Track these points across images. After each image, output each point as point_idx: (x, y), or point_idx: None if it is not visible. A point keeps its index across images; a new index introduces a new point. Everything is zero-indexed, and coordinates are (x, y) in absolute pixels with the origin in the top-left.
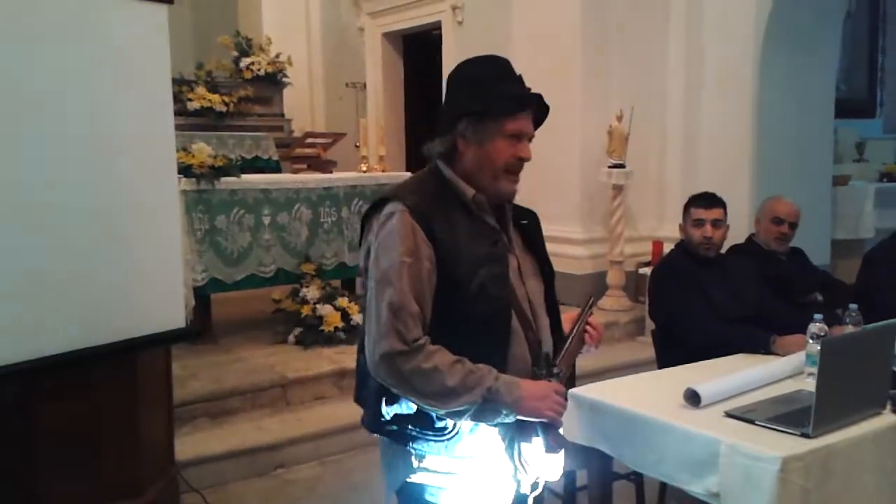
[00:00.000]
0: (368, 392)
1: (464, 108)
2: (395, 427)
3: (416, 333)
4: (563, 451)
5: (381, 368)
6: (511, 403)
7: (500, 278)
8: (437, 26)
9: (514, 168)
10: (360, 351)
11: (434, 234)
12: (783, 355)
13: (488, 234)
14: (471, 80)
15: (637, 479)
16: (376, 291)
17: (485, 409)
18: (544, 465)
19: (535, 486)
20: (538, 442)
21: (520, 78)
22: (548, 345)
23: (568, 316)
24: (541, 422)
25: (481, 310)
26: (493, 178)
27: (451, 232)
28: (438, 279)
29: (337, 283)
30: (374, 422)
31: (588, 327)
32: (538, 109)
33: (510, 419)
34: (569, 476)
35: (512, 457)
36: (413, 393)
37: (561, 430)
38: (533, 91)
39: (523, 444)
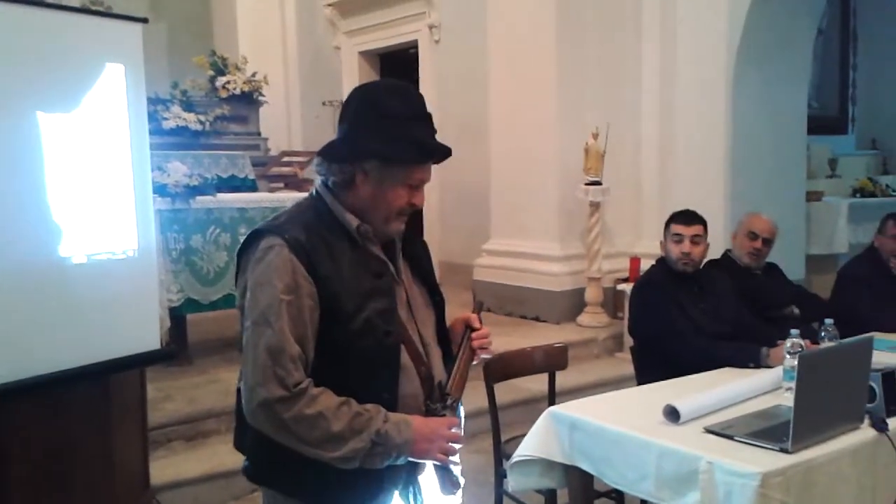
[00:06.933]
0: (251, 438)
1: (373, 147)
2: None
3: (298, 377)
4: (460, 491)
5: (258, 416)
6: (401, 445)
7: (387, 313)
8: (413, 45)
9: (405, 213)
10: (241, 394)
11: (315, 270)
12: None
13: (374, 266)
14: (382, 113)
15: (618, 497)
16: (253, 333)
17: (374, 454)
18: None
19: None
20: (434, 483)
21: (430, 119)
22: (441, 377)
23: (456, 326)
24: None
25: (368, 346)
26: (385, 221)
27: (334, 266)
28: (322, 316)
29: None
30: (257, 472)
31: (481, 340)
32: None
33: (401, 461)
34: (549, 495)
35: (408, 499)
36: (295, 441)
37: (455, 469)
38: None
39: (419, 485)
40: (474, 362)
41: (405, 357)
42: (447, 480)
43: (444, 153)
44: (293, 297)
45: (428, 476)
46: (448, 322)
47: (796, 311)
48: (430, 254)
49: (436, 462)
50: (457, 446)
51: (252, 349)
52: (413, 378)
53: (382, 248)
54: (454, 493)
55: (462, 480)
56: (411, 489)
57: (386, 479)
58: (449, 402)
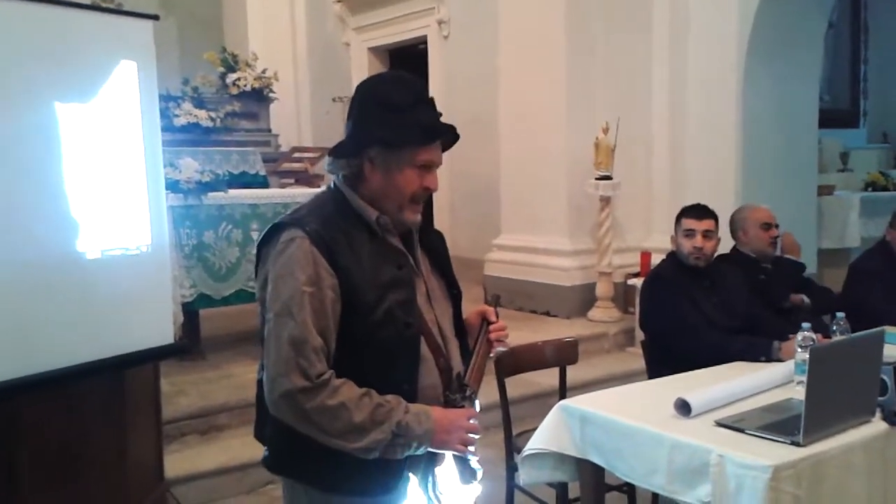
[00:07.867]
0: (271, 429)
1: (376, 135)
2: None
3: (320, 368)
4: (478, 481)
5: (281, 407)
6: (422, 436)
7: (407, 304)
8: (423, 40)
9: (419, 198)
10: (261, 385)
11: (337, 262)
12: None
13: (394, 257)
14: (384, 104)
15: (629, 490)
16: (275, 324)
17: (395, 444)
18: (459, 495)
19: None
20: (452, 472)
21: (432, 102)
22: (459, 369)
23: (472, 319)
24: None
25: (389, 337)
26: (399, 208)
27: (354, 258)
28: (343, 308)
29: None
30: (277, 462)
31: (498, 333)
32: (449, 137)
33: (421, 451)
34: (561, 488)
35: (426, 489)
36: (317, 431)
37: (473, 460)
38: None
39: (437, 475)
40: (491, 355)
41: (425, 348)
42: (466, 470)
43: (447, 133)
44: (315, 289)
45: (447, 466)
46: (463, 315)
47: (807, 300)
48: (447, 245)
49: (455, 452)
50: (475, 437)
51: (275, 340)
52: (432, 369)
53: (401, 240)
54: (472, 483)
55: (480, 470)
56: (430, 479)
57: (405, 469)
58: (468, 393)
